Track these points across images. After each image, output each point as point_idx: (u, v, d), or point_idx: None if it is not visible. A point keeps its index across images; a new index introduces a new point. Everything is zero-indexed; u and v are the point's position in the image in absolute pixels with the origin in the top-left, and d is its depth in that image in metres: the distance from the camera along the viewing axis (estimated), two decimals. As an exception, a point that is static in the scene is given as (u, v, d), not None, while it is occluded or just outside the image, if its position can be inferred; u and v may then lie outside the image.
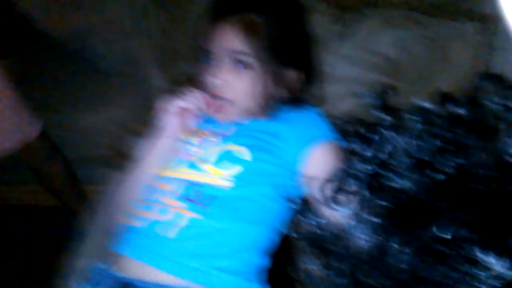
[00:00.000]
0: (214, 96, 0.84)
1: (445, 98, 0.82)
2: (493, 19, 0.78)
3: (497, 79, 0.73)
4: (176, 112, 0.84)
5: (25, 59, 1.67)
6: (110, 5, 1.44)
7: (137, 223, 0.81)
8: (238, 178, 0.79)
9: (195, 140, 0.87)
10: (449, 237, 0.60)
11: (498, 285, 0.53)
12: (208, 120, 0.89)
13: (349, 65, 0.93)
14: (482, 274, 0.55)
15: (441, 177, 0.69)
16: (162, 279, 0.73)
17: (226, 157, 0.81)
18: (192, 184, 0.79)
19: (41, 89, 1.60)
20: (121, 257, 0.80)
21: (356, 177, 0.79)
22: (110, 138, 1.48)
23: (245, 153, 0.81)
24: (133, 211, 0.83)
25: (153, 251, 0.74)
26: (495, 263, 0.53)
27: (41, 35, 1.68)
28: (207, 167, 0.81)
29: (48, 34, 1.65)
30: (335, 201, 0.78)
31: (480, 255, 0.55)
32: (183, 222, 0.75)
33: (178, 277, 0.73)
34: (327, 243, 0.80)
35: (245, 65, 0.83)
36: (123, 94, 1.50)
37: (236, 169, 0.80)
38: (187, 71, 1.13)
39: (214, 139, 0.86)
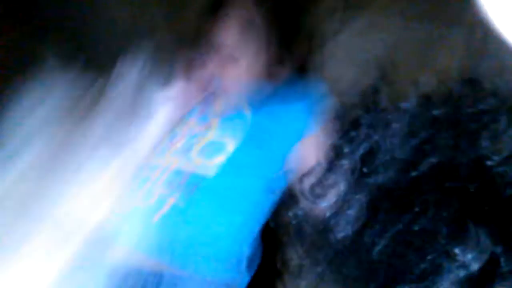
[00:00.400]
0: (224, 55, 0.84)
1: (426, 100, 0.86)
2: (480, 24, 0.81)
3: (474, 83, 0.77)
4: (165, 102, 0.86)
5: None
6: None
7: (121, 209, 0.82)
8: (221, 167, 0.81)
9: (180, 130, 0.88)
10: (417, 229, 0.64)
11: (463, 274, 0.57)
12: (193, 111, 0.90)
13: (337, 62, 0.96)
14: (449, 264, 0.59)
15: (416, 173, 0.73)
16: (146, 264, 0.74)
17: (210, 147, 0.83)
18: (175, 172, 0.81)
19: None
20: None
21: (335, 171, 0.82)
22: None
23: (229, 144, 0.83)
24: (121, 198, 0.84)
25: (135, 233, 0.76)
26: (461, 254, 0.57)
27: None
28: (191, 155, 0.83)
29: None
30: (314, 194, 0.81)
31: (447, 247, 0.59)
32: (165, 208, 0.77)
33: (160, 261, 0.76)
34: (306, 234, 0.84)
35: (253, 26, 0.84)
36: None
37: (220, 159, 0.82)
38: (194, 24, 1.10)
39: (199, 129, 0.87)
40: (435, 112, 0.84)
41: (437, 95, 0.85)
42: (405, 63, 0.96)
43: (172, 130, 0.87)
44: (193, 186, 0.78)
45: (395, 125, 0.85)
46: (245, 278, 0.79)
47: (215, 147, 0.83)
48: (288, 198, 0.84)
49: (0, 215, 0.70)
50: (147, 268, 0.76)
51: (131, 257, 0.75)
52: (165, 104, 0.86)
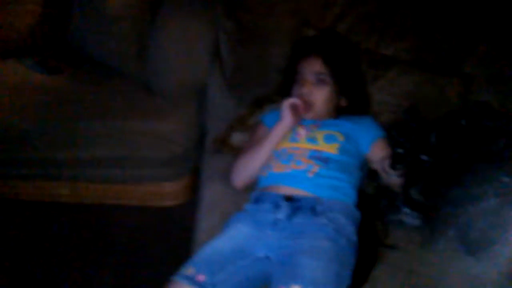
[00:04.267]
0: (304, 100, 1.35)
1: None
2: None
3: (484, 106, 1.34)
4: (291, 107, 1.32)
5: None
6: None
7: (281, 170, 1.25)
8: (339, 149, 1.29)
9: (301, 128, 1.34)
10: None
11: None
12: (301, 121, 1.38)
13: (383, 95, 1.52)
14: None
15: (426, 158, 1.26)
16: (305, 194, 1.19)
17: (329, 137, 1.31)
18: (313, 151, 1.27)
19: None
20: (272, 187, 1.24)
21: (398, 157, 1.33)
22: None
23: (339, 136, 1.32)
24: (274, 164, 1.27)
25: (298, 182, 1.21)
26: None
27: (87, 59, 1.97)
28: (318, 142, 1.30)
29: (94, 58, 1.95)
30: (391, 170, 1.31)
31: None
32: (315, 170, 1.22)
33: (314, 193, 1.19)
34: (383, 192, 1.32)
35: (323, 82, 1.37)
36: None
37: (337, 145, 1.29)
38: (259, 92, 1.63)
39: (314, 128, 1.35)
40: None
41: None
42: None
43: (295, 128, 1.34)
44: (327, 159, 1.25)
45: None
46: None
47: (332, 137, 1.31)
48: (372, 173, 1.34)
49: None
50: (308, 196, 1.21)
51: (296, 192, 1.20)
52: (292, 109, 1.33)
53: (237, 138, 1.51)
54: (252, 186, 1.35)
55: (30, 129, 1.77)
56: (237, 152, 1.44)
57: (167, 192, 1.99)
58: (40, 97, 1.83)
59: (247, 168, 1.33)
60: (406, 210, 1.29)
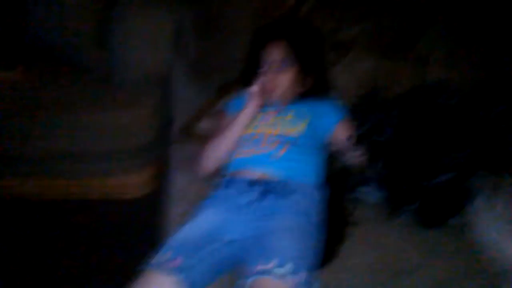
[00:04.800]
0: (268, 85, 1.37)
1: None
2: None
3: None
4: (255, 93, 1.33)
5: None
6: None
7: (247, 155, 1.27)
8: (302, 132, 1.32)
9: (265, 113, 1.36)
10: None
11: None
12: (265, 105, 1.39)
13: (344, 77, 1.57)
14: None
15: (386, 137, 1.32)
16: (272, 177, 1.20)
17: (293, 121, 1.34)
18: (278, 135, 1.29)
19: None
20: (240, 171, 1.26)
21: (359, 137, 1.37)
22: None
23: (303, 119, 1.35)
24: (240, 150, 1.29)
25: (265, 165, 1.23)
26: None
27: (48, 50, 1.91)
28: (283, 126, 1.32)
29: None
30: (354, 150, 1.35)
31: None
32: (280, 153, 1.25)
33: (281, 176, 1.21)
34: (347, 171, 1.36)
35: (287, 66, 1.40)
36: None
37: (300, 128, 1.32)
38: (222, 80, 1.64)
39: (278, 112, 1.37)
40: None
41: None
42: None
43: (259, 114, 1.36)
44: (291, 141, 1.28)
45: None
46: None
47: (294, 121, 1.34)
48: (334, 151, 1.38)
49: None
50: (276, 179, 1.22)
51: (263, 175, 1.23)
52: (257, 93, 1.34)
53: (203, 126, 1.51)
54: (217, 174, 1.36)
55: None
56: (204, 140, 1.45)
57: (132, 183, 1.95)
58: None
59: (216, 154, 1.34)
60: (369, 188, 1.35)
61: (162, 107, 1.84)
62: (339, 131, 1.37)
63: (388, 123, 1.39)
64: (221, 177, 1.30)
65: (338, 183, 1.32)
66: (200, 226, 1.13)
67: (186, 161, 1.47)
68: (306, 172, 1.26)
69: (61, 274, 1.64)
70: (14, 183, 1.89)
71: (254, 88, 1.34)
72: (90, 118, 1.75)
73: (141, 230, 1.79)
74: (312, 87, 1.46)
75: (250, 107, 1.33)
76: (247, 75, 1.47)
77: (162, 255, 1.05)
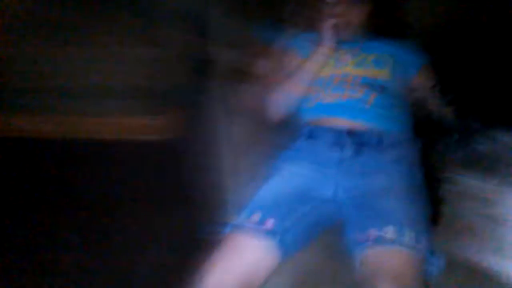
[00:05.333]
0: (340, 21, 1.16)
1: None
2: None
3: None
4: (331, 27, 1.13)
5: None
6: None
7: (332, 100, 1.08)
8: (391, 74, 1.13)
9: (344, 52, 1.17)
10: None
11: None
12: (339, 42, 1.19)
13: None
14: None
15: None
16: (366, 127, 1.04)
17: (378, 62, 1.14)
18: (365, 78, 1.11)
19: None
20: (325, 119, 1.09)
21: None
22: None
23: (388, 59, 1.16)
24: (322, 94, 1.10)
25: (356, 113, 1.06)
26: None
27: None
28: (369, 67, 1.13)
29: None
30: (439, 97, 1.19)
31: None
32: (371, 99, 1.07)
33: (376, 126, 1.05)
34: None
35: (358, 2, 1.19)
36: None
37: (388, 69, 1.14)
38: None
39: (358, 50, 1.17)
40: None
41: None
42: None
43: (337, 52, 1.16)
44: (381, 87, 1.10)
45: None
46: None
47: (380, 62, 1.16)
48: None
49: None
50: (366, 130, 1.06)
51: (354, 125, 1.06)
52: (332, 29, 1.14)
53: (263, 66, 1.31)
54: (286, 120, 1.18)
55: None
56: (263, 82, 1.25)
57: (156, 125, 1.78)
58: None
59: (286, 99, 1.15)
60: (451, 139, 1.21)
61: (195, 45, 1.62)
62: (422, 77, 1.20)
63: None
64: (299, 126, 1.12)
65: (425, 135, 1.16)
66: (288, 184, 0.98)
67: (238, 107, 1.28)
68: (399, 122, 1.11)
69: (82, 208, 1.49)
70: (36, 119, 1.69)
71: (330, 22, 1.13)
72: (114, 52, 1.58)
73: (161, 173, 1.64)
74: (386, 25, 1.26)
75: (326, 45, 1.13)
76: (300, 10, 1.26)
77: (249, 217, 0.89)
